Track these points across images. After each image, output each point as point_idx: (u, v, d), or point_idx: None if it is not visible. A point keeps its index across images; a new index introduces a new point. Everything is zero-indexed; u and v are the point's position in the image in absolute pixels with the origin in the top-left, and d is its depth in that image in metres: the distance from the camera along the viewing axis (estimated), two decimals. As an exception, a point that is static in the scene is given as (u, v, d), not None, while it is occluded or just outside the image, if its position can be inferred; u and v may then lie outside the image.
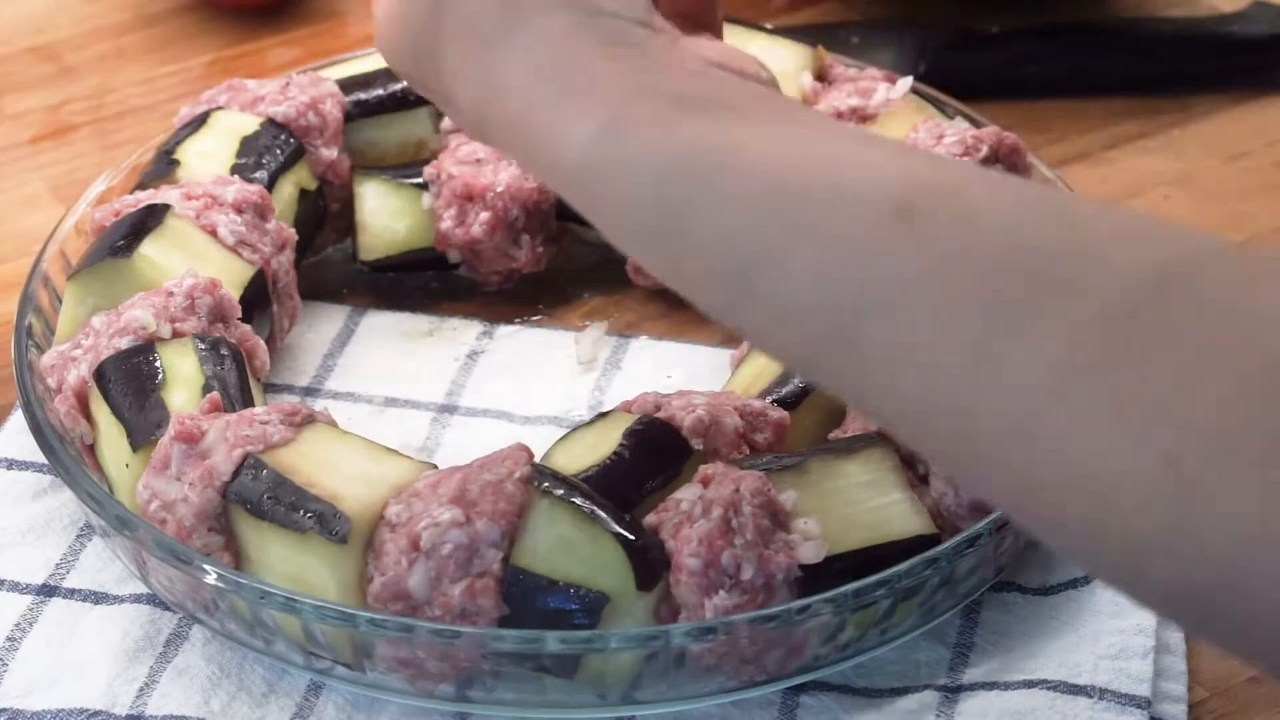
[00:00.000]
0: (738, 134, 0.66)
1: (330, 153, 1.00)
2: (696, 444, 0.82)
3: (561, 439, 0.85)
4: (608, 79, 0.69)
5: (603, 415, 0.85)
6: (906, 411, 0.61)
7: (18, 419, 0.92)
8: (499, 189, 0.98)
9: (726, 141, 0.66)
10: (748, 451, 0.83)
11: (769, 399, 0.86)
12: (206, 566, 0.78)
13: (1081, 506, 0.56)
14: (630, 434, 0.82)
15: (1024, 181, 0.68)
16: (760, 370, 0.88)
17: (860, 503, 0.80)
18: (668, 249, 0.67)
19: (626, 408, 0.84)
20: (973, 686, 0.80)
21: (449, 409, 0.95)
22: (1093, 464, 0.55)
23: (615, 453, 0.81)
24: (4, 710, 0.80)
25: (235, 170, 0.96)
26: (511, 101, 0.71)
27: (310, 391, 0.96)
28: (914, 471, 0.82)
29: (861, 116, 1.00)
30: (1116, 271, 0.57)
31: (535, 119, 0.70)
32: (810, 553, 0.77)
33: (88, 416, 0.85)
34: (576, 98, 0.69)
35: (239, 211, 0.93)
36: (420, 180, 1.00)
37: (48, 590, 0.85)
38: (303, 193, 0.99)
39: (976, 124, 1.00)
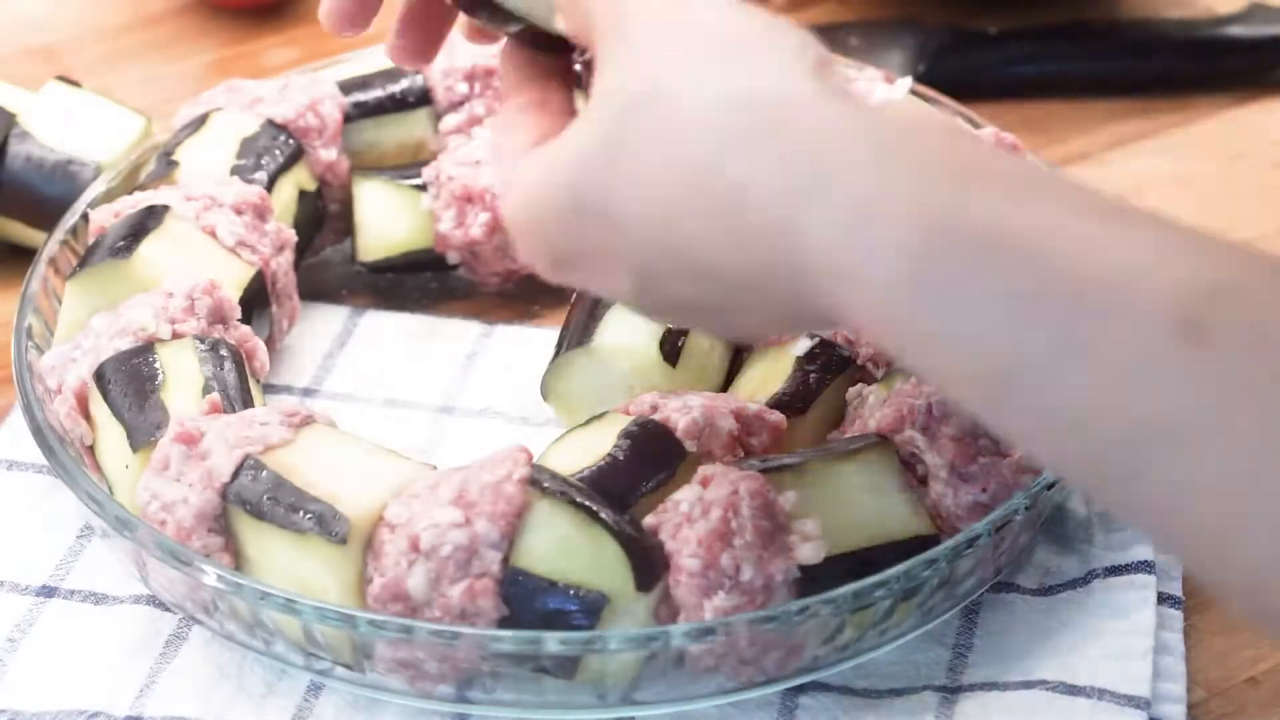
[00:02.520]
0: (1003, 213, 0.59)
1: (329, 154, 1.00)
2: (691, 446, 0.82)
3: (557, 440, 0.85)
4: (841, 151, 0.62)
5: (599, 417, 0.85)
6: (1198, 544, 0.55)
7: (18, 419, 0.92)
8: (498, 190, 0.98)
9: (992, 222, 0.59)
10: (743, 454, 0.83)
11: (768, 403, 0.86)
12: (206, 568, 0.78)
13: None
14: (625, 435, 0.82)
15: None
16: (766, 376, 0.88)
17: (859, 503, 0.80)
18: (918, 338, 0.61)
19: (624, 409, 0.85)
20: (971, 687, 0.80)
21: (448, 410, 0.95)
22: None
23: (610, 454, 0.81)
24: (4, 710, 0.80)
25: (234, 171, 0.96)
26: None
27: (309, 392, 0.96)
28: (913, 472, 0.82)
29: (860, 117, 1.00)
30: None
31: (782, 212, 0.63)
32: (809, 554, 0.77)
33: (88, 417, 0.86)
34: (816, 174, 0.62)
35: (238, 213, 0.93)
36: (419, 181, 1.00)
37: (48, 591, 0.85)
38: (302, 194, 0.99)
39: (975, 125, 1.00)
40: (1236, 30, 1.18)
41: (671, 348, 0.88)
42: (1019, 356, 0.58)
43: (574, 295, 0.92)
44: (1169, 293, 0.55)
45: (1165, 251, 0.57)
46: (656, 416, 0.83)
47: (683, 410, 0.83)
